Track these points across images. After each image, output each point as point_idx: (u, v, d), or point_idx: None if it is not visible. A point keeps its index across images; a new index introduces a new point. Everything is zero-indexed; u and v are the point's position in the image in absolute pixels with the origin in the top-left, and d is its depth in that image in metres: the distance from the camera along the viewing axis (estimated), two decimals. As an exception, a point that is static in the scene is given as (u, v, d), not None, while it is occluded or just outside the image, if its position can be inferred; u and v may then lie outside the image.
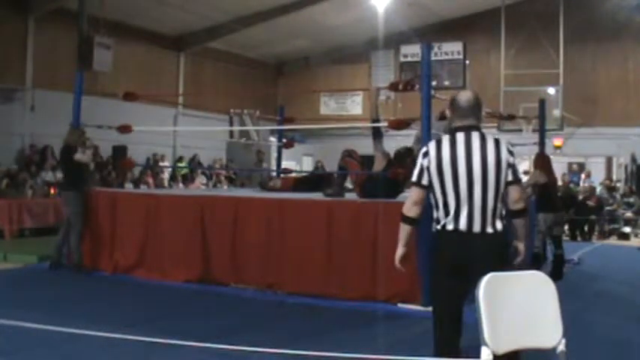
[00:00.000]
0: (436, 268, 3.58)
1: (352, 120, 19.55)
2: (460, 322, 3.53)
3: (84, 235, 8.13)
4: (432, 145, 3.54)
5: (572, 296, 6.57)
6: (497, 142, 3.50)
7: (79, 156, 8.13)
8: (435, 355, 3.50)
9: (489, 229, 3.40)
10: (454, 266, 3.45)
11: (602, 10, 17.66)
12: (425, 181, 3.51)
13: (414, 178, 3.57)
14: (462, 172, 3.41)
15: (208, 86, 19.66)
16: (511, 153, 3.49)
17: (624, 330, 5.84)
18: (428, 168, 3.49)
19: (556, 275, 7.95)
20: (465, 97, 3.58)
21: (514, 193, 3.51)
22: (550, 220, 8.49)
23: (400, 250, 3.64)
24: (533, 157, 9.12)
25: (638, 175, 17.71)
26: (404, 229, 3.62)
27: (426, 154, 3.52)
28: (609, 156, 19.62)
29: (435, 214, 3.53)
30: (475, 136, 3.48)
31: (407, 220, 3.61)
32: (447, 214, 3.44)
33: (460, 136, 3.49)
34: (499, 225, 3.44)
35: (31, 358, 4.64)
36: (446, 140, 3.51)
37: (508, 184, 3.47)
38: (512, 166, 3.47)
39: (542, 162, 8.83)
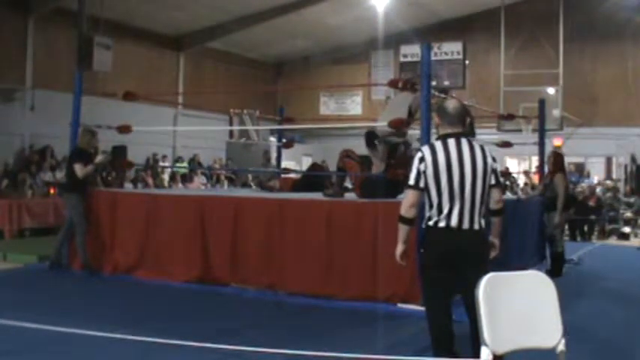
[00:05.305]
0: (427, 262, 3.87)
1: (352, 120, 19.57)
2: (451, 312, 3.83)
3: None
4: (427, 151, 3.81)
5: (572, 296, 6.57)
6: (482, 148, 3.86)
7: (77, 167, 8.07)
8: (433, 341, 3.78)
9: (476, 227, 3.75)
10: (445, 259, 3.76)
11: (601, 10, 17.66)
12: (422, 184, 3.79)
13: (412, 181, 3.83)
14: (455, 176, 3.72)
15: (208, 86, 19.63)
16: (494, 159, 3.89)
17: (624, 330, 5.85)
18: (424, 172, 3.77)
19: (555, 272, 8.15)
20: (452, 105, 3.90)
21: (496, 194, 3.93)
22: (557, 219, 8.53)
23: (400, 247, 3.93)
24: (548, 156, 9.08)
25: (638, 175, 17.70)
26: (403, 229, 3.90)
27: (422, 159, 3.79)
28: (609, 156, 19.61)
29: (427, 213, 3.83)
30: (464, 143, 3.80)
31: (406, 220, 3.88)
32: (440, 212, 3.74)
33: (452, 143, 3.79)
34: (482, 222, 3.80)
35: (31, 358, 4.64)
36: (439, 146, 3.80)
37: (491, 186, 3.86)
38: (495, 171, 3.87)
39: (556, 162, 8.73)
